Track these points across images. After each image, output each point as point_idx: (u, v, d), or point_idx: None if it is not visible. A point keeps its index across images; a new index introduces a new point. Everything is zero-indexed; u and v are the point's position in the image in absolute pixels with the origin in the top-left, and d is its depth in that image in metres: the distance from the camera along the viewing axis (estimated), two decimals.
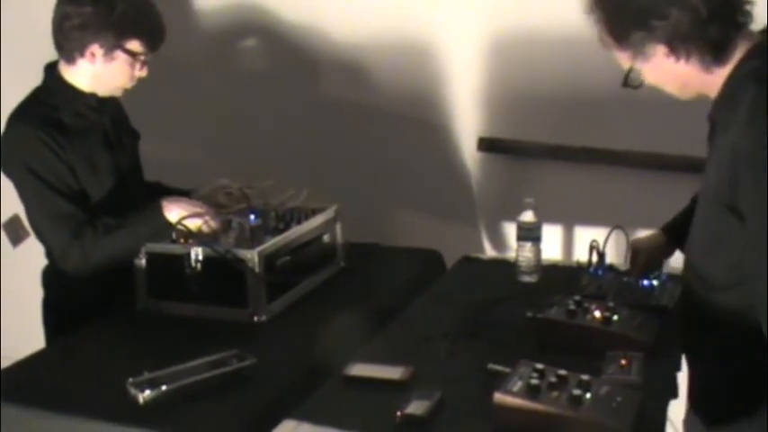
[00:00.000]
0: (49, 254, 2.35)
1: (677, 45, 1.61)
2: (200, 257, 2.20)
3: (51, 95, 2.32)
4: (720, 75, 1.64)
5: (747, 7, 1.61)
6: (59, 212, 2.25)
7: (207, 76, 3.35)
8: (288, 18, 3.17)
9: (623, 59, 1.71)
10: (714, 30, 1.59)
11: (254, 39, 3.25)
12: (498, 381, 1.68)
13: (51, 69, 2.35)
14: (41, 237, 2.32)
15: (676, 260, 2.87)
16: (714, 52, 1.61)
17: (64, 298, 2.40)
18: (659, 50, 1.63)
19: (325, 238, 2.52)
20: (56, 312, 2.45)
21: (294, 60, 3.22)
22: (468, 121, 3.05)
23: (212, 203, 2.40)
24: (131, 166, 2.50)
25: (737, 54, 1.62)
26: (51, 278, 2.43)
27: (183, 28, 3.26)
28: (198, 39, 3.30)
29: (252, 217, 2.32)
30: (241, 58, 3.29)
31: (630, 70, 1.71)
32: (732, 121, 1.57)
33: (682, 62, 1.63)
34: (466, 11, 2.94)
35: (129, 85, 2.35)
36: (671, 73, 1.67)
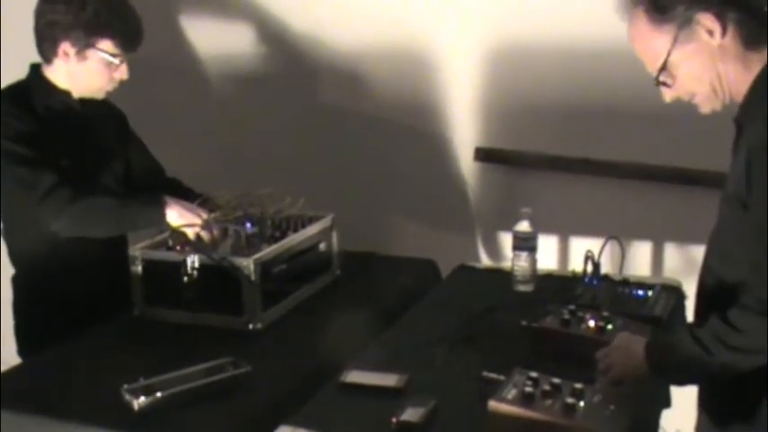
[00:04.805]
0: (10, 227, 2.33)
1: (725, 13, 1.59)
2: (197, 265, 2.21)
3: (29, 88, 2.31)
4: (751, 72, 1.62)
5: None
6: (40, 161, 2.20)
7: (205, 84, 3.35)
8: (287, 27, 3.18)
9: (660, 46, 1.65)
10: (756, 2, 1.60)
11: (253, 46, 3.25)
12: (493, 388, 1.69)
13: (35, 68, 2.35)
14: (23, 184, 2.22)
15: (668, 270, 2.88)
16: (758, 28, 1.60)
17: (35, 300, 2.37)
18: (704, 23, 1.60)
19: (322, 246, 2.52)
20: (27, 319, 2.42)
21: (292, 69, 3.23)
22: (465, 130, 3.06)
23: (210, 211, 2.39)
24: (112, 175, 2.44)
25: (765, 56, 1.62)
26: (20, 282, 2.41)
27: (184, 35, 3.28)
28: (197, 45, 3.31)
29: (248, 225, 2.33)
30: (240, 65, 3.30)
31: (666, 63, 1.65)
32: (756, 122, 1.56)
33: (726, 39, 1.60)
34: (464, 21, 2.95)
35: (108, 87, 2.33)
36: (708, 59, 1.63)
